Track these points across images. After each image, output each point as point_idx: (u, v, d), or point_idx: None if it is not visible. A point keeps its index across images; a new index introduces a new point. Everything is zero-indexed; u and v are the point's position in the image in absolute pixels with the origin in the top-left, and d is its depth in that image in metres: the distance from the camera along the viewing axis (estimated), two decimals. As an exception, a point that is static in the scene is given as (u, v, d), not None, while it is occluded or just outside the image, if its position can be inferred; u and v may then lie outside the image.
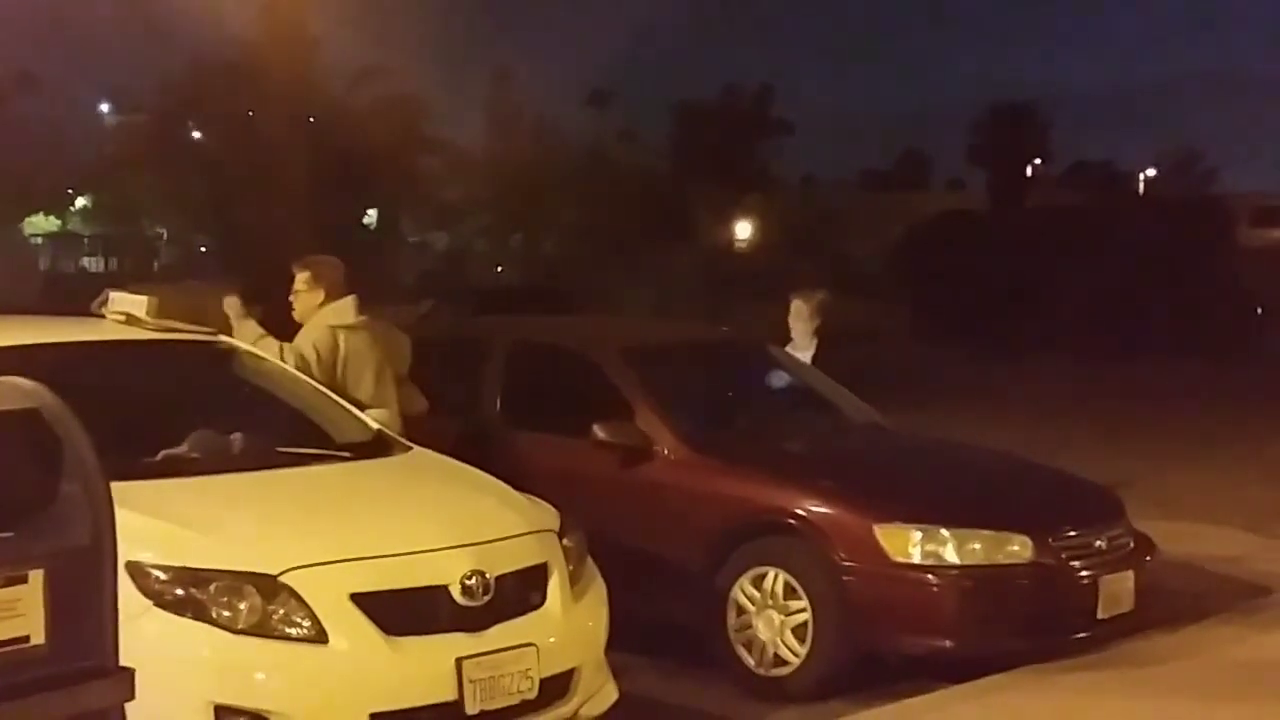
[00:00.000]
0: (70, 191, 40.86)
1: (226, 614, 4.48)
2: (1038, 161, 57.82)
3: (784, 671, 6.26)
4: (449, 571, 4.78)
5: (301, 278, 6.90)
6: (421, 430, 6.55)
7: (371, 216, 36.00)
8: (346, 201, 29.18)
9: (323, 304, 6.80)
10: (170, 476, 5.05)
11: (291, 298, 6.90)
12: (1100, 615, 6.38)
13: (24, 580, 3.10)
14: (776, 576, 6.32)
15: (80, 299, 6.32)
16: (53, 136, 33.37)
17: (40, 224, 43.61)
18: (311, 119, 23.09)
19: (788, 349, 8.38)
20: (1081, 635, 6.37)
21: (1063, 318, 23.20)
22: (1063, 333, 22.55)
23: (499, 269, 39.39)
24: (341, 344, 6.68)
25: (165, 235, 40.28)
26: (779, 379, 8.08)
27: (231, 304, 6.76)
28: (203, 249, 36.09)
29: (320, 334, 6.69)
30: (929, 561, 6.10)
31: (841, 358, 8.34)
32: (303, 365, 6.47)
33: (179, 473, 5.11)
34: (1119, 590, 6.45)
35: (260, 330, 6.69)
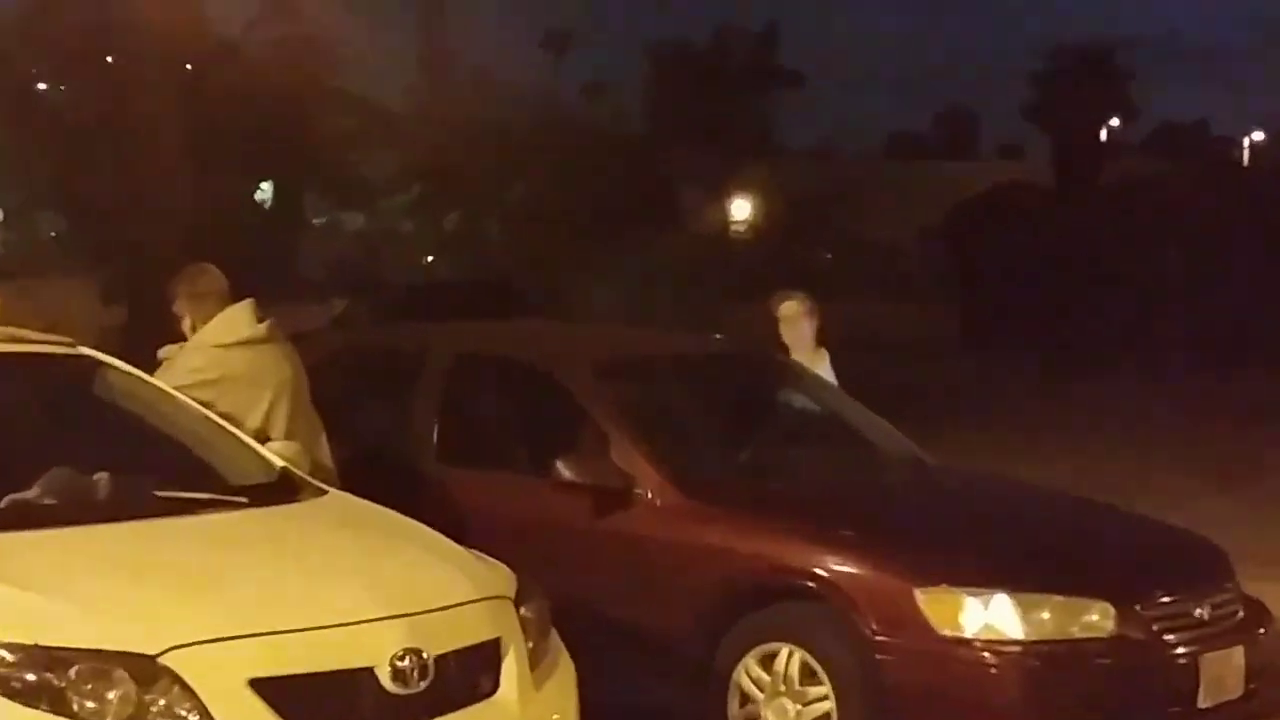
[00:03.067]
0: None
1: (91, 705, 4.45)
2: (1114, 122, 58.15)
3: (801, 776, 6.28)
4: (376, 650, 4.77)
5: (179, 306, 6.96)
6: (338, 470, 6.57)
7: (265, 191, 36.01)
8: (234, 173, 29.17)
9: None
10: (17, 529, 5.02)
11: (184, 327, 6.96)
12: (1202, 703, 6.41)
13: None
14: (791, 655, 6.34)
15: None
16: None
17: None
18: (189, 66, 23.07)
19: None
20: (1178, 728, 6.40)
21: (1150, 322, 23.35)
22: (1151, 341, 22.70)
23: (429, 259, 39.43)
24: (234, 365, 6.68)
25: (0, 216, 40.16)
26: (792, 401, 8.11)
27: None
28: (52, 234, 36.02)
29: (203, 359, 6.70)
30: (985, 636, 6.12)
31: (868, 375, 8.38)
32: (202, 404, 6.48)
33: (29, 524, 5.09)
34: (1225, 671, 6.49)
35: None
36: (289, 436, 6.54)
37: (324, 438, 6.95)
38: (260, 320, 6.91)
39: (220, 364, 6.73)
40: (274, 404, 6.72)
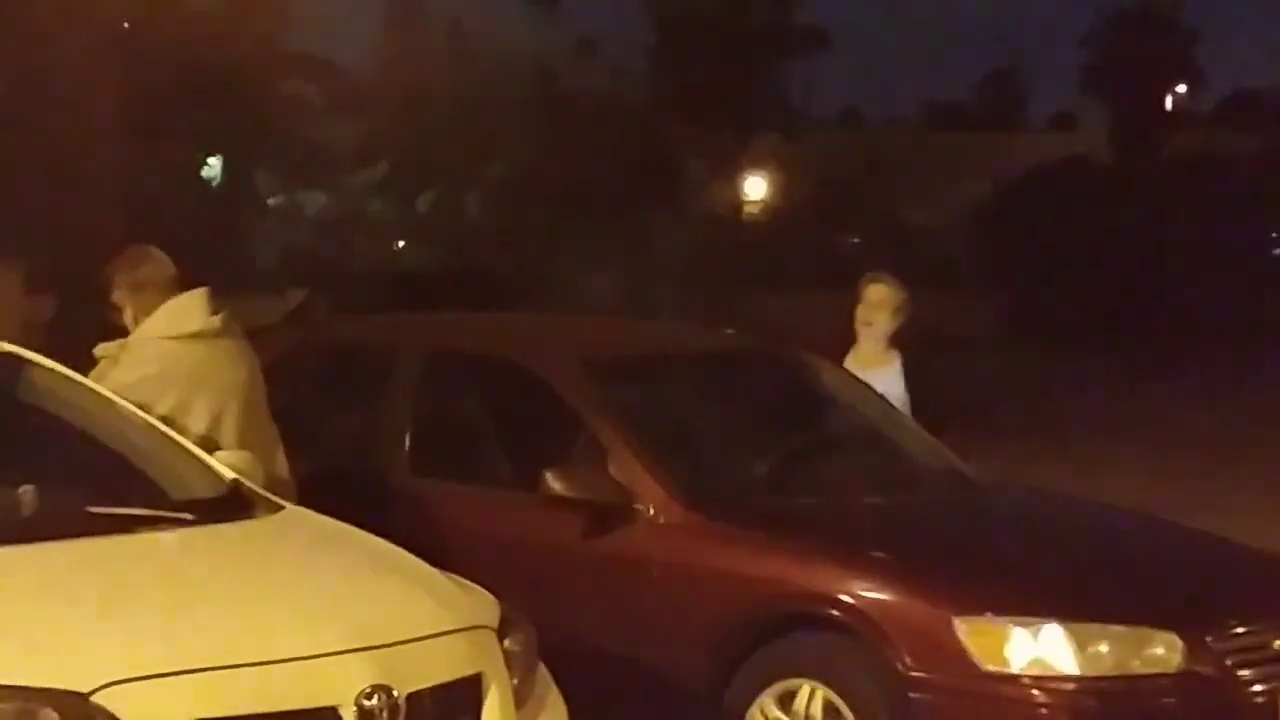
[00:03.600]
0: None
1: (15, 750, 4.46)
2: (1180, 89, 58.16)
3: (824, 831, 6.31)
4: (339, 687, 4.78)
5: (119, 296, 6.95)
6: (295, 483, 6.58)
7: (213, 167, 35.99)
8: (177, 145, 29.16)
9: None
10: (-69, 549, 5.03)
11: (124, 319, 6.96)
12: (1282, 747, 6.43)
13: None
14: (813, 693, 6.35)
15: None
16: None
17: None
18: (126, 25, 23.06)
19: (850, 365, 8.39)
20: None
21: (1224, 313, 23.37)
22: (1225, 335, 22.72)
23: (399, 244, 39.44)
24: (180, 362, 6.68)
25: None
26: (815, 405, 8.13)
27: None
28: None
29: (146, 354, 6.70)
30: (1034, 671, 6.14)
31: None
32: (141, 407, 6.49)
33: (-57, 544, 5.09)
34: (1308, 711, 6.51)
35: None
36: (242, 445, 6.54)
37: (280, 448, 6.95)
38: (215, 312, 6.90)
39: (163, 359, 6.72)
40: (224, 408, 6.72)
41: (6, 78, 23.54)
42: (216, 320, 6.89)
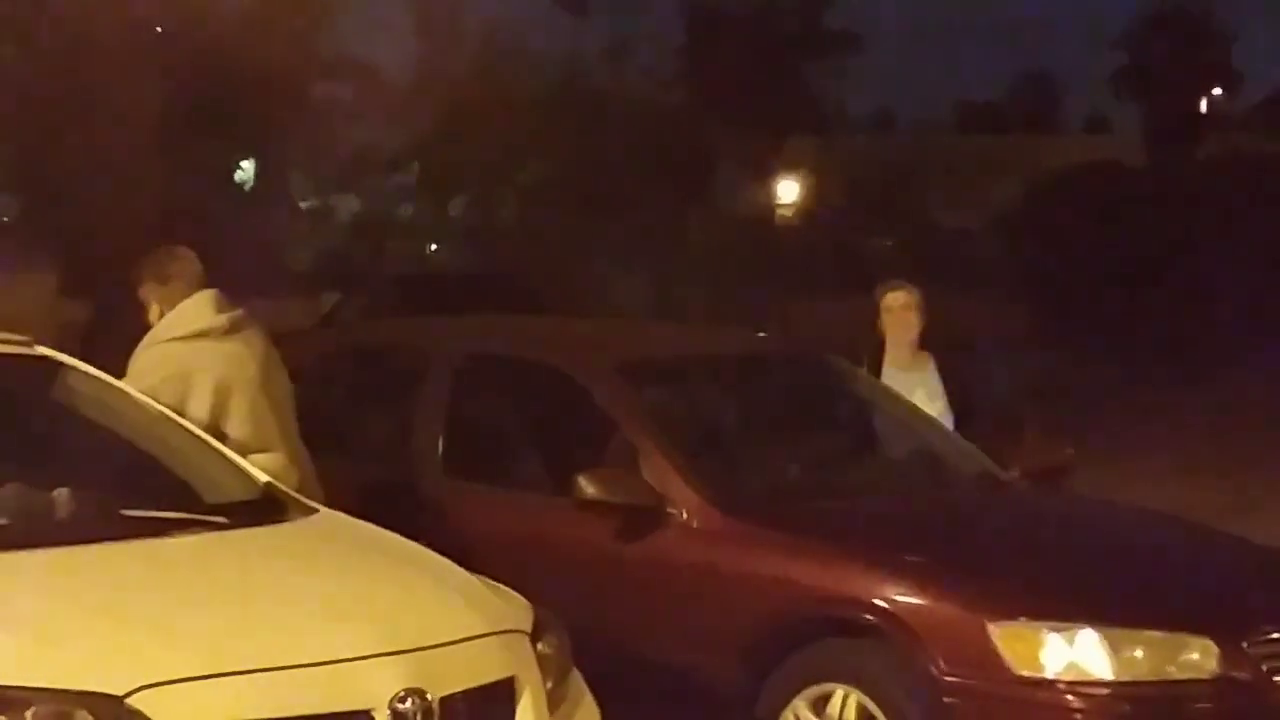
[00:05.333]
0: None
1: (49, 752, 4.47)
2: (1216, 92, 57.96)
3: (858, 836, 6.30)
4: (373, 691, 4.78)
5: (144, 292, 6.96)
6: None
7: (246, 171, 36.07)
8: (211, 149, 29.23)
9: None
10: (-34, 552, 5.05)
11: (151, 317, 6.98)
12: (1318, 754, 6.39)
13: None
14: (847, 698, 6.34)
15: None
16: None
17: None
18: (160, 29, 23.13)
19: (887, 371, 8.39)
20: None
21: (1258, 318, 23.25)
22: (1259, 339, 22.60)
23: (432, 247, 39.49)
24: (183, 361, 6.68)
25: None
26: (848, 409, 8.12)
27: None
28: (3, 219, 36.15)
29: (154, 359, 6.71)
30: (1069, 677, 6.11)
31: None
32: None
33: (-21, 546, 5.12)
34: (1346, 717, 6.47)
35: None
36: (244, 444, 6.51)
37: (301, 449, 6.94)
38: (224, 311, 6.88)
39: (165, 362, 6.70)
40: (222, 407, 6.66)
41: (43, 76, 23.65)
42: (222, 319, 6.86)
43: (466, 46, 38.99)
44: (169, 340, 6.80)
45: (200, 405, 6.64)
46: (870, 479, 7.71)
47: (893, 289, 8.68)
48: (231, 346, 6.84)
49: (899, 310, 8.58)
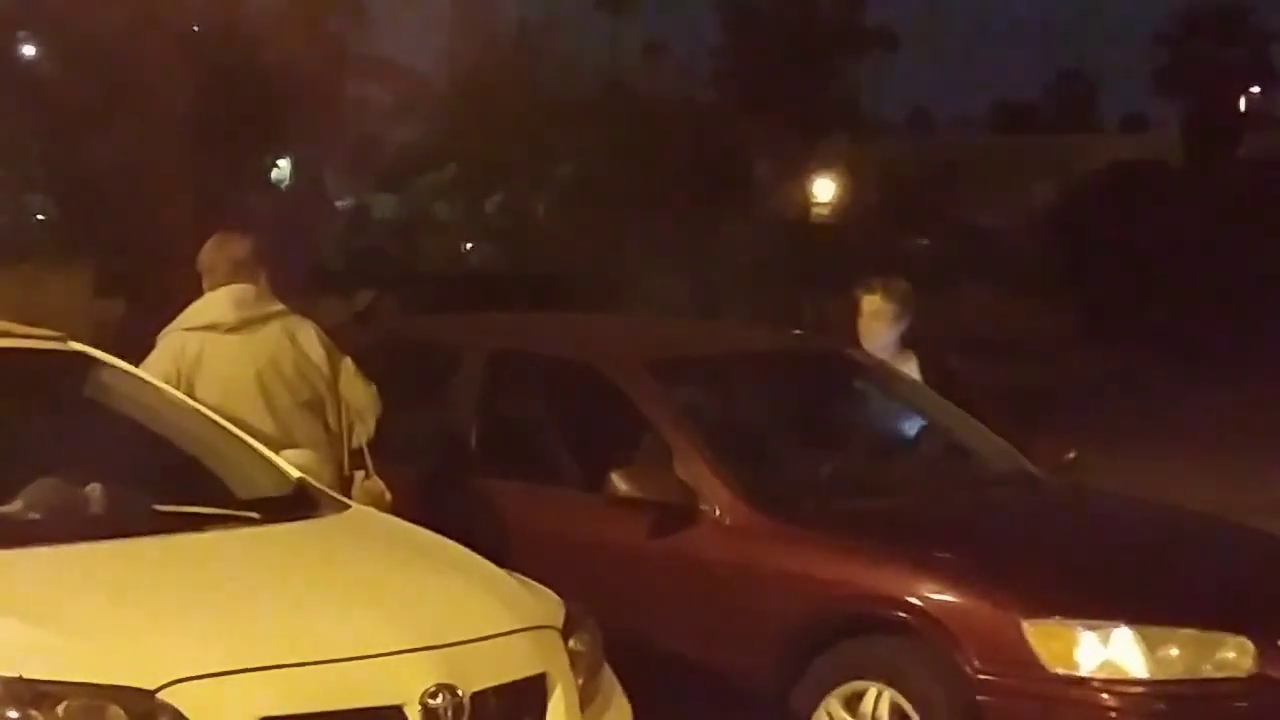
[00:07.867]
0: None
1: (81, 746, 4.49)
2: (1255, 90, 57.72)
3: (891, 835, 6.29)
4: (404, 686, 4.79)
5: (203, 276, 7.02)
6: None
7: (282, 170, 36.14)
8: (246, 149, 29.30)
9: None
10: (-2, 547, 5.07)
11: None
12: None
13: None
14: (880, 696, 6.34)
15: None
16: None
17: None
18: (196, 28, 23.21)
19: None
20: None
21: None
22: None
23: (468, 246, 39.49)
24: (185, 352, 6.71)
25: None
26: (881, 406, 8.10)
27: None
28: (39, 216, 36.27)
29: (163, 348, 6.75)
30: (1104, 675, 6.11)
31: (970, 377, 8.36)
32: None
33: (11, 541, 5.13)
34: (1383, 718, 6.44)
35: None
36: (300, 443, 6.55)
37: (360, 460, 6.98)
38: (245, 308, 6.89)
39: (173, 354, 6.76)
40: (220, 403, 6.61)
41: (80, 79, 23.78)
42: (231, 316, 6.89)
43: (503, 46, 39.04)
44: (180, 330, 6.86)
45: (204, 396, 6.67)
46: (903, 476, 7.70)
47: (868, 290, 8.57)
48: (234, 341, 6.86)
49: (866, 316, 8.50)
